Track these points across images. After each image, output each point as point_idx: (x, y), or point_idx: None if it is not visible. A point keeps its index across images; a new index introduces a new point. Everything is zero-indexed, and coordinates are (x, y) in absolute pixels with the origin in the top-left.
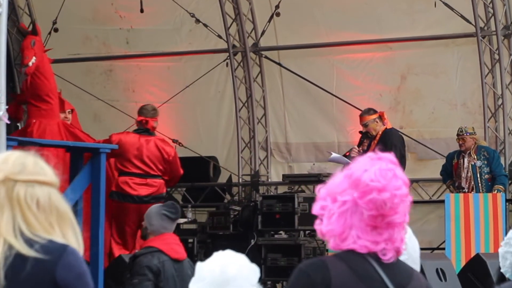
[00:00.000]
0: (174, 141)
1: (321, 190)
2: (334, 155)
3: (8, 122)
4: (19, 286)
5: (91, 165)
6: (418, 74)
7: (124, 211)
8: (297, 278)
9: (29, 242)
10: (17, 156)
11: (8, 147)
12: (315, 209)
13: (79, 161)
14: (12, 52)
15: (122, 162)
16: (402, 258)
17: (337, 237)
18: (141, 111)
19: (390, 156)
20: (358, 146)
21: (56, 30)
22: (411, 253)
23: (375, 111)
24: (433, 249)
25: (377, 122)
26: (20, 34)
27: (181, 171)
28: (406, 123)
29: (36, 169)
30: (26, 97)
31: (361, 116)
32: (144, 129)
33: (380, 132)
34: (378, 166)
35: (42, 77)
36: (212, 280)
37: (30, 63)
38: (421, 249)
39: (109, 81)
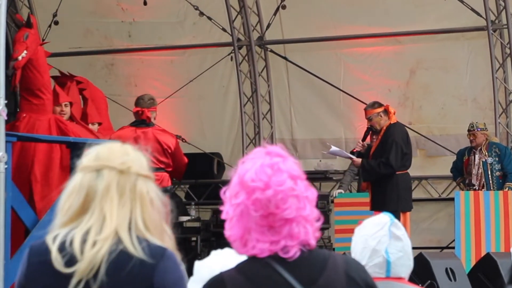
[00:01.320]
0: (177, 137)
1: (226, 193)
2: (333, 148)
3: (6, 118)
4: (119, 285)
5: None
6: (428, 68)
7: None
8: None
9: (139, 241)
10: (131, 148)
11: (7, 142)
12: (223, 214)
13: (79, 157)
14: (11, 45)
15: None
16: (398, 255)
17: (238, 241)
18: (137, 101)
19: (277, 148)
20: (363, 140)
21: (56, 23)
22: (406, 249)
23: (380, 105)
24: (442, 248)
25: (381, 116)
26: (15, 25)
27: (185, 160)
28: (415, 119)
29: (148, 165)
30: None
31: (365, 110)
32: (140, 121)
33: (385, 127)
34: (260, 163)
35: (35, 70)
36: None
37: (20, 57)
38: (430, 248)
39: (111, 75)
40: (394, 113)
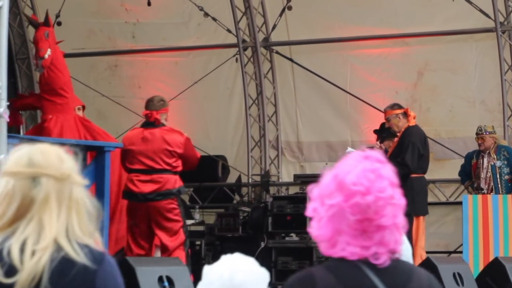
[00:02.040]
0: None
1: (313, 191)
2: (350, 149)
3: (8, 120)
4: None
5: (95, 163)
6: (436, 70)
7: (132, 211)
8: None
9: (80, 246)
10: (62, 152)
11: (9, 145)
12: (308, 211)
13: (83, 160)
14: (13, 46)
15: (129, 159)
16: None
17: (327, 242)
18: (147, 103)
19: (377, 153)
20: (381, 142)
21: (59, 23)
22: (405, 253)
23: (400, 107)
24: (450, 252)
25: (399, 118)
26: (32, 25)
27: (198, 155)
28: (423, 122)
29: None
30: (34, 98)
31: (384, 111)
32: (149, 122)
33: (403, 129)
34: (361, 167)
35: (56, 70)
36: (221, 285)
37: (46, 55)
38: (438, 252)
39: (114, 77)
40: (414, 117)
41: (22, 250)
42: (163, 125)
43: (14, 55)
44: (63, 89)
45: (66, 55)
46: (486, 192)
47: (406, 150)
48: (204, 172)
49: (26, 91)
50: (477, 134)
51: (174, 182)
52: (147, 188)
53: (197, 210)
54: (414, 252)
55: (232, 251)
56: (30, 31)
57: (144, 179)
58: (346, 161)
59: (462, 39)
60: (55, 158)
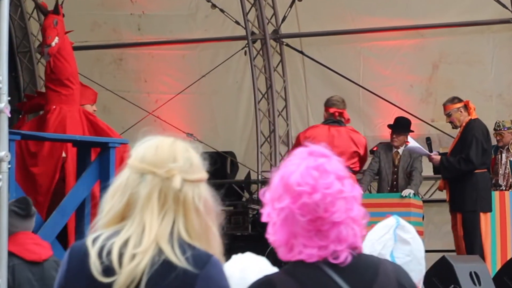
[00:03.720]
0: (188, 135)
1: (265, 195)
2: (412, 143)
3: (9, 115)
4: None
5: (100, 160)
6: (451, 63)
7: None
8: None
9: (183, 249)
10: (182, 148)
11: (11, 141)
12: (263, 216)
13: (87, 157)
14: (14, 39)
15: None
16: (405, 260)
17: (284, 247)
18: (332, 102)
19: (320, 147)
20: (430, 151)
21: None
22: (415, 254)
23: (460, 100)
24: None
25: (461, 112)
26: (42, 13)
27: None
28: (438, 116)
29: (200, 164)
30: (41, 96)
31: (444, 105)
32: (333, 120)
33: (464, 124)
34: (305, 165)
35: (63, 59)
36: (232, 284)
37: (53, 43)
38: (454, 251)
39: (120, 71)
40: (474, 109)
41: (121, 253)
42: (345, 124)
43: (16, 49)
44: (69, 79)
45: None
46: (504, 188)
47: (470, 146)
48: (212, 169)
49: (28, 85)
50: (495, 130)
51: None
52: None
53: None
54: (485, 250)
55: (241, 250)
56: (32, 24)
57: None
58: (291, 160)
59: (478, 30)
60: (166, 155)
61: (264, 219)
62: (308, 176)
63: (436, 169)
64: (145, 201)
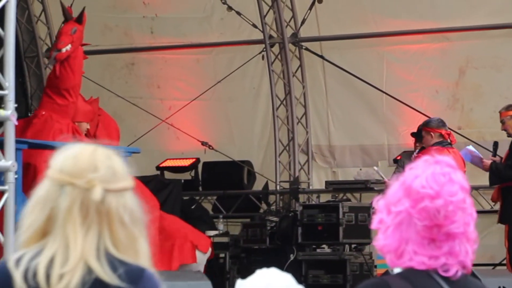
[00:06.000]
0: (204, 143)
1: (379, 202)
2: (468, 149)
3: (16, 123)
4: None
5: None
6: (478, 68)
7: None
8: None
9: (113, 265)
10: (103, 157)
11: (17, 150)
12: (374, 223)
13: None
14: (21, 43)
15: None
16: None
17: (393, 253)
18: (442, 124)
19: (448, 158)
20: (493, 156)
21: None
22: None
23: None
24: (495, 265)
25: None
26: (65, 18)
27: None
28: (465, 123)
29: (124, 171)
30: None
31: (499, 112)
32: (447, 142)
33: None
34: (431, 171)
35: (69, 69)
36: None
37: (64, 49)
38: (482, 265)
39: (131, 76)
40: None
41: (48, 273)
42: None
43: (23, 53)
44: (68, 91)
45: None
46: None
47: None
48: (228, 179)
49: (35, 91)
50: None
51: None
52: None
53: (221, 220)
54: None
55: (259, 264)
56: (40, 27)
57: None
58: (414, 168)
59: (506, 34)
60: (86, 164)
61: (374, 225)
62: (433, 181)
63: (491, 179)
64: (66, 215)
